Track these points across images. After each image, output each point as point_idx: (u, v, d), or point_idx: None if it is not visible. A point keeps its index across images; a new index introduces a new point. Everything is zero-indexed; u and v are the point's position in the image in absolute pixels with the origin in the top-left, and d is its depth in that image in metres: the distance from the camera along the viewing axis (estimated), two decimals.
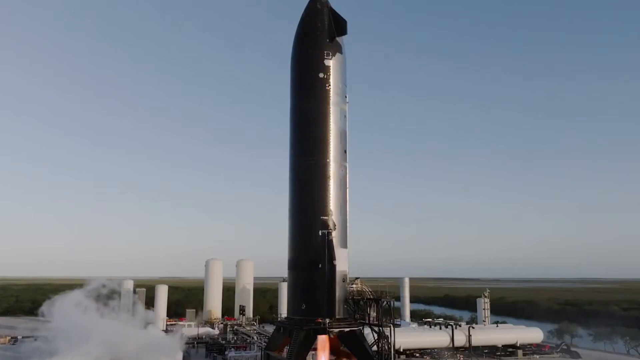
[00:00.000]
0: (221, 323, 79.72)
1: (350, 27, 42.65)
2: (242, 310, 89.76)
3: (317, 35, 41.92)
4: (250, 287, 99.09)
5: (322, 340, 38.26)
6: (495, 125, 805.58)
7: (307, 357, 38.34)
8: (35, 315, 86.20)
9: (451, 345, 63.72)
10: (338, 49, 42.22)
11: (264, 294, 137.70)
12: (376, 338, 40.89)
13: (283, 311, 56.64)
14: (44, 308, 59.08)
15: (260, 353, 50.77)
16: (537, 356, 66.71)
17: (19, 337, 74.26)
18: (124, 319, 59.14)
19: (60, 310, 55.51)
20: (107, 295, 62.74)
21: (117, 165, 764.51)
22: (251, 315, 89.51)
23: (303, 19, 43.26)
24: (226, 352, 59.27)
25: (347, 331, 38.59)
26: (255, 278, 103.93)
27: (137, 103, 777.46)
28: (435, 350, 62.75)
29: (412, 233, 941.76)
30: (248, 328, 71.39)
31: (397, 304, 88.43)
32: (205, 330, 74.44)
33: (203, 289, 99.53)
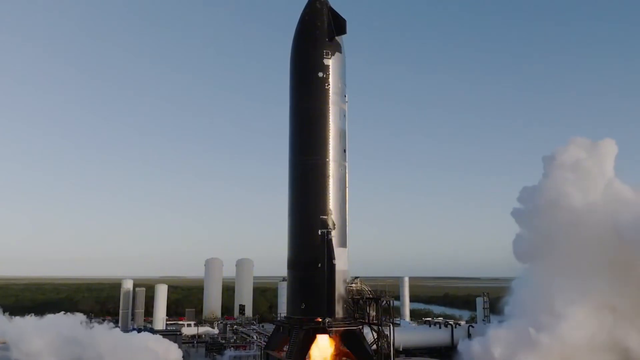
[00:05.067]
0: (221, 322, 79.70)
1: (349, 26, 42.74)
2: (242, 309, 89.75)
3: (317, 34, 41.97)
4: (250, 287, 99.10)
5: (322, 340, 38.34)
6: (495, 124, 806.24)
7: (306, 357, 38.33)
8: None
9: (451, 344, 63.70)
10: (337, 48, 42.27)
11: (264, 293, 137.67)
12: (376, 337, 40.92)
13: (283, 310, 56.59)
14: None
15: (259, 352, 50.75)
16: None
17: None
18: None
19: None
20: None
21: (117, 164, 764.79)
22: (251, 315, 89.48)
23: (302, 18, 43.30)
24: (225, 351, 59.20)
25: (347, 330, 38.65)
26: (254, 277, 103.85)
27: (135, 102, 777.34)
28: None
29: (411, 232, 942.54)
30: (248, 327, 71.32)
31: (396, 303, 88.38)
32: (204, 329, 74.42)
33: (203, 289, 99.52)
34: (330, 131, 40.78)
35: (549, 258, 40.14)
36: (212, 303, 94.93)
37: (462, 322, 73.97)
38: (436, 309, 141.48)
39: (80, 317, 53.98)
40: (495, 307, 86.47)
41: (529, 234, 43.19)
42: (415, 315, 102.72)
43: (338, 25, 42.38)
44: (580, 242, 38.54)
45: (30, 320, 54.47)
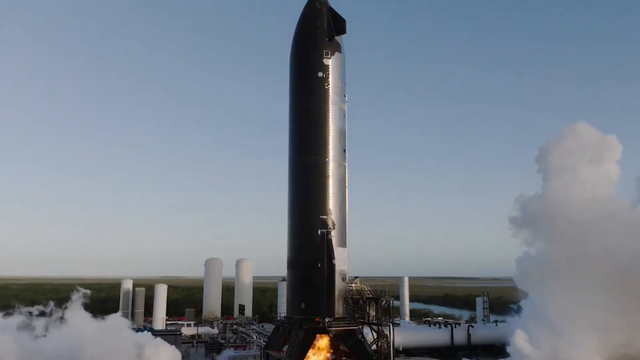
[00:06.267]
0: (220, 322, 79.71)
1: (349, 26, 42.71)
2: (242, 309, 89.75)
3: (316, 34, 41.95)
4: (250, 287, 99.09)
5: (321, 340, 38.33)
6: (495, 123, 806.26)
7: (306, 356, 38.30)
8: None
9: (450, 344, 63.74)
10: (337, 48, 42.25)
11: (264, 293, 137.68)
12: (375, 337, 40.90)
13: (282, 310, 56.62)
14: None
15: (259, 352, 50.75)
16: None
17: None
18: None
19: None
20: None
21: (117, 164, 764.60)
22: (251, 315, 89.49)
23: (302, 17, 43.29)
24: (223, 351, 59.11)
25: (346, 330, 38.63)
26: (254, 277, 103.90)
27: (136, 102, 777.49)
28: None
29: (412, 232, 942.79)
30: (247, 327, 71.32)
31: (396, 303, 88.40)
32: (204, 329, 74.40)
33: (202, 289, 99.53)
34: (330, 131, 40.74)
35: (551, 281, 38.47)
36: (212, 303, 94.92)
37: (462, 322, 73.92)
38: (436, 309, 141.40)
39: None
40: (495, 307, 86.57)
41: (530, 257, 41.59)
42: (415, 315, 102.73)
43: (338, 25, 42.36)
44: (583, 262, 36.94)
45: None
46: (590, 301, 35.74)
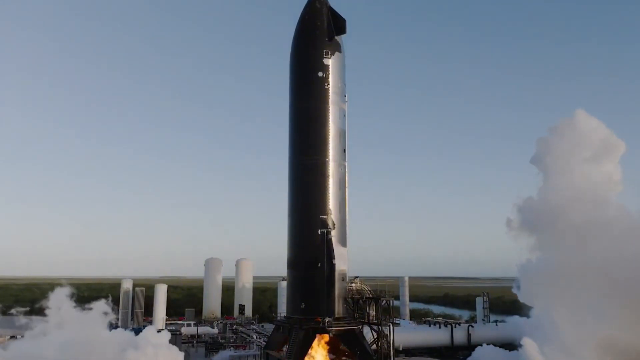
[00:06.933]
0: (220, 322, 79.77)
1: (349, 26, 42.80)
2: (242, 309, 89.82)
3: (317, 34, 42.04)
4: (250, 287, 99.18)
5: (321, 339, 38.35)
6: (495, 123, 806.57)
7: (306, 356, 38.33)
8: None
9: (450, 344, 63.77)
10: (337, 47, 42.33)
11: (264, 293, 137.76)
12: (375, 337, 40.93)
13: (282, 310, 56.66)
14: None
15: (259, 352, 50.79)
16: None
17: (18, 337, 74.17)
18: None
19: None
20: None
21: (116, 164, 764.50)
22: (251, 315, 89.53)
23: (302, 17, 43.37)
24: (221, 351, 59.16)
25: (346, 330, 38.66)
26: (254, 277, 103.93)
27: (135, 101, 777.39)
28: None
29: (411, 232, 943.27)
30: (247, 327, 71.37)
31: (396, 303, 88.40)
32: (204, 329, 74.46)
33: (202, 289, 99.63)
34: (330, 131, 40.82)
35: (555, 292, 37.75)
36: (212, 303, 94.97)
37: (462, 322, 73.96)
38: (436, 308, 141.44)
39: None
40: (494, 307, 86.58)
41: (532, 264, 40.87)
42: (415, 315, 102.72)
43: (338, 25, 42.46)
44: (585, 271, 36.05)
45: None
46: (596, 314, 35.29)
